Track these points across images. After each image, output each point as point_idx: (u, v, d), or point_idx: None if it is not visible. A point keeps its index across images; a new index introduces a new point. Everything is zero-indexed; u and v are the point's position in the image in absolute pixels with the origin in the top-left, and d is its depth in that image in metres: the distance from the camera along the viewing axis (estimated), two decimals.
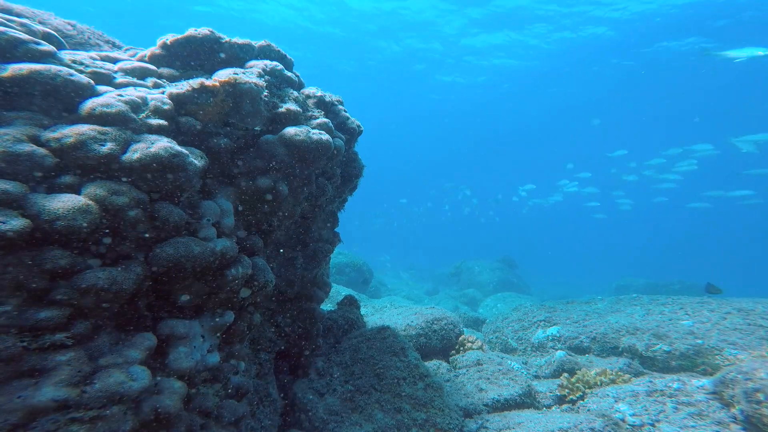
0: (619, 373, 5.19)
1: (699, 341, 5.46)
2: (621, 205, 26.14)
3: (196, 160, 2.45)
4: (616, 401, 4.39)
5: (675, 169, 20.23)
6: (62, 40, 2.74)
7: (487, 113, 38.97)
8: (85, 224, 1.88)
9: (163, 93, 2.62)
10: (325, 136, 3.15)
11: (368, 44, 26.56)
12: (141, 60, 3.04)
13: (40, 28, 2.57)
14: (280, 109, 3.15)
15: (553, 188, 27.86)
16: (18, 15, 2.70)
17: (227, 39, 3.20)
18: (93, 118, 2.17)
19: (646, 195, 28.44)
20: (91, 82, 2.36)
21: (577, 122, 38.90)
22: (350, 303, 5.59)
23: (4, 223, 1.69)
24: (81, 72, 2.45)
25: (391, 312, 7.19)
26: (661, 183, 22.95)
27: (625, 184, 26.03)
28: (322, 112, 3.51)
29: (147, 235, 2.18)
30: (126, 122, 2.24)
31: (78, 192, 1.98)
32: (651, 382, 4.64)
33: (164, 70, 3.01)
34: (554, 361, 5.77)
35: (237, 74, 2.80)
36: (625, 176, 24.43)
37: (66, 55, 2.53)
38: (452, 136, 49.35)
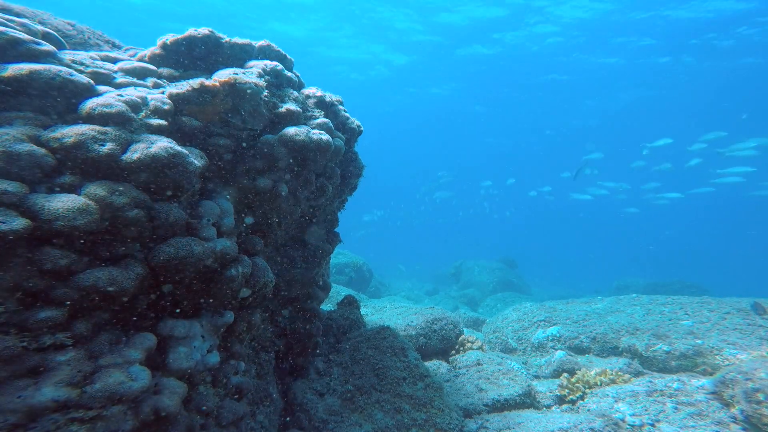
0: (619, 373, 5.19)
1: (699, 341, 5.46)
2: (657, 198, 24.14)
3: (196, 160, 2.46)
4: (616, 401, 4.39)
5: (732, 151, 17.56)
6: (62, 40, 2.74)
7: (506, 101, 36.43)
8: (85, 224, 1.88)
9: (163, 93, 2.62)
10: (325, 136, 3.15)
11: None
12: (141, 60, 3.04)
13: (40, 28, 2.57)
14: (280, 109, 3.15)
15: (582, 181, 26.04)
16: (18, 15, 2.69)
17: (227, 39, 3.20)
18: (93, 118, 2.17)
19: (685, 186, 25.60)
20: (91, 82, 2.36)
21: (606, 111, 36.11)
22: (350, 303, 5.58)
23: (4, 223, 1.69)
24: (81, 72, 2.45)
25: (391, 312, 7.19)
26: (724, 177, 19.94)
27: (661, 175, 23.67)
28: (322, 112, 3.52)
29: (147, 235, 2.18)
30: (126, 122, 2.24)
31: (78, 192, 1.98)
32: (651, 382, 4.64)
33: (164, 70, 3.01)
34: (554, 361, 5.77)
35: (237, 74, 2.80)
36: (661, 166, 22.05)
37: (66, 55, 2.53)
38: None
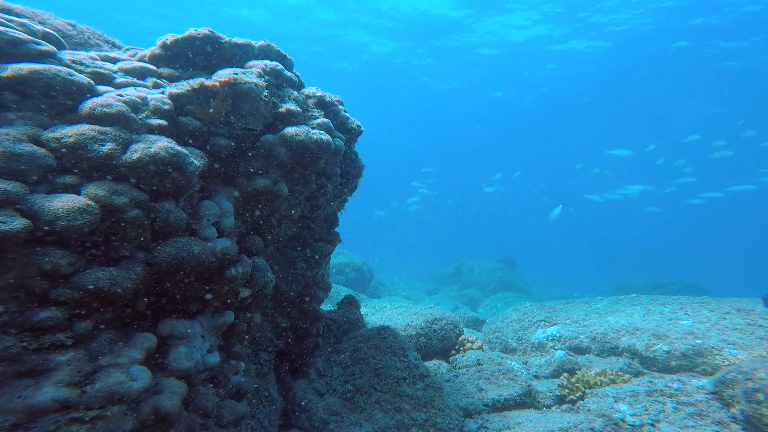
0: (619, 373, 5.18)
1: (699, 341, 5.46)
2: (689, 197, 22.97)
3: (196, 160, 2.45)
4: (616, 401, 4.39)
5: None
6: (62, 40, 2.74)
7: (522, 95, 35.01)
8: (85, 224, 1.88)
9: (163, 93, 2.62)
10: (325, 136, 3.15)
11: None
12: (141, 60, 3.04)
13: (40, 28, 2.57)
14: (280, 109, 3.15)
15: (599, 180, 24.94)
16: (18, 15, 2.69)
17: (227, 39, 3.20)
18: (93, 118, 2.17)
19: (720, 184, 24.26)
20: (91, 82, 2.36)
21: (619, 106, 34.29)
22: (350, 303, 5.58)
23: (4, 223, 1.68)
24: (81, 72, 2.45)
25: (391, 312, 7.19)
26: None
27: (685, 173, 22.24)
28: (322, 112, 3.52)
29: (147, 235, 2.18)
30: (126, 122, 2.24)
31: (78, 192, 1.98)
32: (651, 382, 4.64)
33: (164, 70, 3.01)
34: (554, 361, 5.77)
35: (237, 74, 2.80)
36: (677, 162, 21.09)
37: (66, 55, 2.53)
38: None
